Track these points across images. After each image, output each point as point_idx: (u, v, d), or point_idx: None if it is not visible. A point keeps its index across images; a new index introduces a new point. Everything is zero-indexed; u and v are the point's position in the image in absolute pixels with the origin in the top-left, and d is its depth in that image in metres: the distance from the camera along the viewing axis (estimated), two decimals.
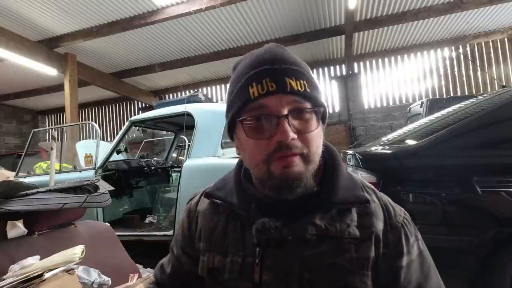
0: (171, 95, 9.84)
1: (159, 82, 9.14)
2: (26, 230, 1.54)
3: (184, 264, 0.71)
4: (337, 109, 8.27)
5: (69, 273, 1.16)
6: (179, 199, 2.77)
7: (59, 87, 7.30)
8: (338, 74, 8.34)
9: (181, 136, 4.53)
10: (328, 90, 8.45)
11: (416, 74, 7.90)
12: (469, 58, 7.56)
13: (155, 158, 4.68)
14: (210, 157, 2.69)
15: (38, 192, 1.41)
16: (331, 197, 0.57)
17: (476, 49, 7.55)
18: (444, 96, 6.85)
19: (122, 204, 3.75)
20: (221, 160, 2.66)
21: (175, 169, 4.35)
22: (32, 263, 1.18)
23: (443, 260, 1.54)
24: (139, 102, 9.95)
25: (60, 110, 10.18)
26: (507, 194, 1.47)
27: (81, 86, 7.03)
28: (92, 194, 1.58)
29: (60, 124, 10.78)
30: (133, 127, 3.47)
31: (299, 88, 0.51)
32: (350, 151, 2.13)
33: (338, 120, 8.02)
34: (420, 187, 1.63)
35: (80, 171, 3.26)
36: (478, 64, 7.41)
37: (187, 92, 9.07)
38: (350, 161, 2.05)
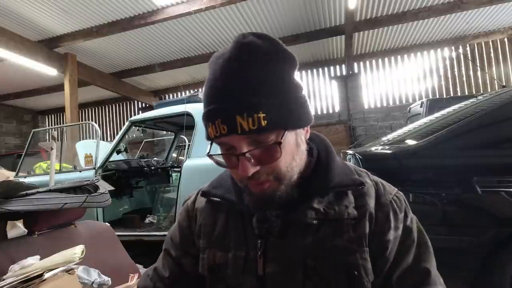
0: (171, 95, 9.83)
1: (159, 82, 9.15)
2: (26, 230, 1.54)
3: (185, 264, 0.68)
4: (337, 109, 8.27)
5: (69, 273, 1.16)
6: (179, 199, 2.78)
7: (59, 87, 7.30)
8: (338, 74, 8.34)
9: (181, 136, 4.53)
10: (328, 90, 8.45)
11: (416, 74, 7.90)
12: (469, 58, 7.56)
13: (155, 158, 4.68)
14: None
15: (38, 192, 1.42)
16: (327, 182, 0.58)
17: (476, 49, 7.55)
18: (444, 96, 6.85)
19: (122, 204, 3.75)
20: None
21: (175, 169, 4.35)
22: (32, 263, 1.18)
23: (443, 260, 1.54)
24: (139, 102, 9.95)
25: (60, 110, 10.18)
26: (507, 194, 1.47)
27: (81, 86, 7.03)
28: (92, 194, 1.59)
29: (60, 124, 10.78)
30: (133, 127, 3.47)
31: (251, 127, 0.47)
32: (350, 151, 2.13)
33: (338, 120, 8.02)
34: (420, 187, 1.63)
35: (80, 171, 3.26)
36: (478, 64, 7.41)
37: (187, 92, 9.07)
38: (350, 161, 2.05)
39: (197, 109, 2.95)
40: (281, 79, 0.51)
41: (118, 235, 1.90)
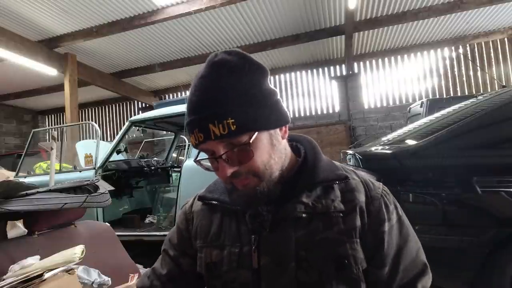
0: (171, 95, 9.83)
1: (159, 82, 9.15)
2: (26, 230, 1.54)
3: (183, 264, 0.72)
4: (337, 109, 8.27)
5: (69, 273, 1.16)
6: (179, 199, 2.78)
7: (59, 87, 7.30)
8: (338, 74, 8.34)
9: (181, 136, 4.54)
10: (328, 90, 8.45)
11: (416, 74, 7.90)
12: (469, 58, 7.56)
13: (155, 158, 4.68)
14: None
15: (38, 192, 1.41)
16: (314, 177, 0.63)
17: (476, 49, 7.55)
18: (444, 96, 6.85)
19: (122, 204, 3.75)
20: None
21: (175, 169, 4.35)
22: (32, 263, 1.18)
23: (443, 260, 1.54)
24: (139, 102, 9.95)
25: (60, 110, 10.18)
26: (507, 194, 1.47)
27: (81, 86, 7.03)
28: (92, 194, 1.59)
29: (60, 124, 10.78)
30: (133, 127, 3.47)
31: (222, 132, 0.54)
32: (350, 151, 2.13)
33: (338, 120, 8.02)
34: (420, 187, 1.63)
35: (80, 171, 3.26)
36: (478, 64, 7.41)
37: (187, 92, 9.04)
38: (350, 161, 2.05)
39: None
40: (249, 87, 0.56)
41: (118, 235, 1.90)
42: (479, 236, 1.51)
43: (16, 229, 1.70)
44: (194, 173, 2.72)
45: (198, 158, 0.61)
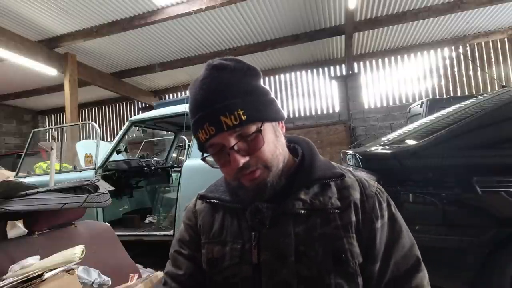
0: (171, 95, 9.83)
1: (159, 82, 9.15)
2: (26, 230, 1.54)
3: (199, 258, 0.71)
4: (337, 109, 8.27)
5: (69, 273, 1.16)
6: (179, 199, 2.78)
7: (59, 87, 7.31)
8: (338, 74, 8.34)
9: (181, 136, 4.53)
10: (328, 90, 8.45)
11: (416, 74, 7.90)
12: (469, 58, 7.56)
13: (155, 158, 4.68)
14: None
15: (38, 192, 1.41)
16: (311, 175, 0.66)
17: (476, 49, 7.55)
18: (444, 96, 6.85)
19: (122, 204, 3.75)
20: None
21: (175, 169, 4.35)
22: (32, 263, 1.18)
23: (443, 260, 1.54)
24: (139, 102, 9.95)
25: (60, 110, 10.18)
26: (507, 194, 1.47)
27: (81, 86, 7.03)
28: (92, 194, 1.58)
29: (60, 124, 10.78)
30: (133, 127, 3.47)
31: (234, 122, 0.57)
32: (350, 151, 2.13)
33: (338, 120, 8.02)
34: (420, 187, 1.63)
35: (80, 171, 3.26)
36: (478, 64, 7.41)
37: (187, 92, 9.05)
38: (350, 161, 2.05)
39: None
40: (249, 83, 0.61)
41: (118, 235, 1.90)
42: (479, 236, 1.51)
43: (16, 229, 1.70)
44: (194, 173, 2.72)
45: (204, 156, 0.63)
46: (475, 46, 7.52)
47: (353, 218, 0.63)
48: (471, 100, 2.09)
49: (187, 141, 4.67)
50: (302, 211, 0.63)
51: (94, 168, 3.18)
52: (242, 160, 0.58)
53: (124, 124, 4.36)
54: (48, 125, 11.23)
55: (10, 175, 3.80)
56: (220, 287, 0.66)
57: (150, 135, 7.58)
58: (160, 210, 3.42)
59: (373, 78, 8.21)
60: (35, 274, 1.07)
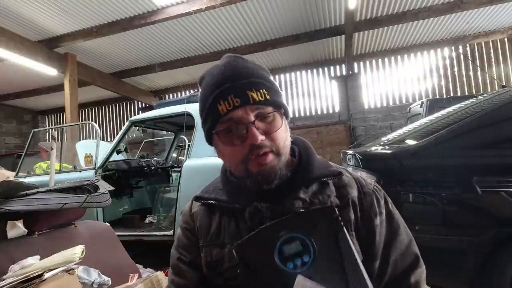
0: (171, 95, 9.83)
1: (159, 82, 9.14)
2: (26, 230, 1.54)
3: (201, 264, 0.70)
4: (337, 109, 8.27)
5: (69, 273, 1.16)
6: (179, 199, 2.77)
7: (59, 87, 7.30)
8: (338, 74, 8.34)
9: (181, 136, 4.53)
10: (328, 90, 8.45)
11: (416, 74, 7.90)
12: (469, 58, 7.56)
13: (155, 158, 4.68)
14: (210, 157, 2.69)
15: (38, 192, 1.41)
16: (309, 174, 0.66)
17: (476, 49, 7.55)
18: (444, 96, 6.85)
19: (122, 204, 3.74)
20: (221, 160, 2.65)
21: (175, 169, 4.35)
22: (32, 263, 1.18)
23: (443, 260, 1.54)
24: (139, 102, 9.95)
25: (60, 110, 10.18)
26: (507, 194, 1.47)
27: (81, 86, 7.02)
28: (92, 194, 1.59)
29: (60, 124, 10.78)
30: (133, 127, 3.47)
31: (260, 98, 0.59)
32: (350, 151, 2.13)
33: (338, 120, 8.02)
34: (420, 187, 1.63)
35: (80, 171, 3.26)
36: (478, 64, 7.41)
37: (187, 92, 9.07)
38: (350, 161, 2.05)
39: (197, 109, 2.93)
40: (267, 76, 0.64)
41: (118, 235, 1.90)
42: (479, 236, 1.51)
43: (16, 229, 1.70)
44: (194, 173, 2.72)
45: (216, 130, 0.62)
46: (475, 46, 7.52)
47: (352, 216, 0.63)
48: (471, 100, 2.09)
49: (187, 141, 4.67)
50: (302, 210, 0.62)
51: (94, 168, 3.18)
52: (261, 137, 0.58)
53: (124, 124, 4.36)
54: (48, 125, 11.23)
55: (10, 175, 3.80)
56: None
57: (150, 135, 7.58)
58: (160, 210, 3.42)
59: (373, 78, 8.21)
60: (35, 274, 1.07)
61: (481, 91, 7.19)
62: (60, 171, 3.37)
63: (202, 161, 2.72)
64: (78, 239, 1.57)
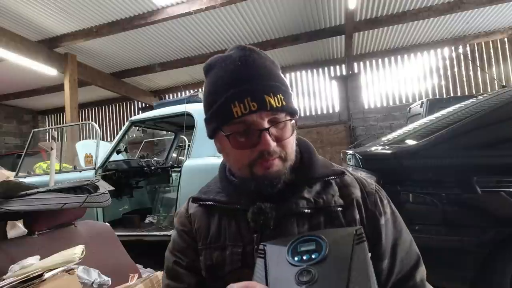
0: (171, 95, 9.83)
1: (159, 82, 9.14)
2: (26, 230, 1.54)
3: (199, 267, 0.68)
4: (337, 109, 8.27)
5: (69, 273, 1.16)
6: (179, 199, 2.78)
7: (59, 87, 7.30)
8: (338, 74, 8.34)
9: (181, 136, 4.53)
10: (328, 90, 8.45)
11: (416, 74, 7.90)
12: (469, 58, 7.56)
13: (155, 158, 4.68)
14: (210, 157, 2.69)
15: (38, 192, 1.42)
16: (312, 173, 0.65)
17: (476, 49, 7.55)
18: (444, 96, 6.85)
19: (122, 204, 3.75)
20: (221, 160, 2.65)
21: (175, 169, 4.35)
22: (32, 263, 1.19)
23: (443, 260, 1.54)
24: (139, 102, 9.95)
25: (60, 110, 10.17)
26: (507, 194, 1.47)
27: (81, 86, 7.03)
28: (92, 194, 1.59)
29: (60, 124, 10.78)
30: (133, 127, 3.47)
31: (277, 104, 0.56)
32: (350, 151, 2.13)
33: (338, 120, 8.02)
34: (420, 187, 1.63)
35: (80, 171, 3.26)
36: (478, 64, 7.41)
37: (187, 92, 9.07)
38: (350, 161, 2.05)
39: (197, 109, 2.95)
40: (280, 75, 0.62)
41: (118, 235, 1.90)
42: (479, 236, 1.51)
43: (16, 229, 1.70)
44: (194, 173, 2.72)
45: (227, 134, 0.59)
46: (475, 46, 7.52)
47: (357, 216, 0.62)
48: (471, 100, 2.09)
49: (187, 141, 4.67)
50: (306, 210, 0.61)
51: (94, 168, 3.18)
52: (274, 143, 0.57)
53: (124, 124, 4.36)
54: (48, 125, 11.22)
55: (10, 175, 3.80)
56: None
57: (150, 135, 7.57)
58: (160, 210, 3.42)
59: (373, 78, 8.21)
60: (35, 274, 1.07)
61: (481, 91, 7.19)
62: (60, 171, 3.37)
63: (202, 161, 2.72)
64: (78, 239, 1.57)
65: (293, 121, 0.62)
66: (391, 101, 8.02)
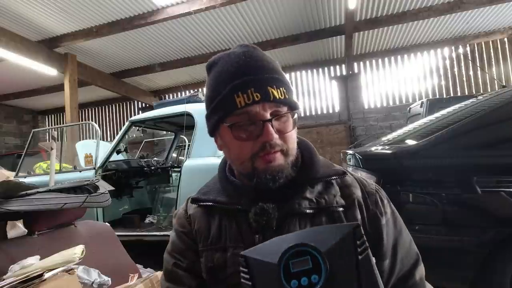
0: (171, 95, 9.83)
1: (159, 82, 9.14)
2: (26, 230, 1.54)
3: (199, 269, 0.67)
4: (337, 109, 8.27)
5: (69, 273, 1.16)
6: (179, 199, 2.78)
7: (59, 87, 7.30)
8: (338, 74, 8.34)
9: (181, 136, 4.53)
10: (328, 90, 8.45)
11: (416, 74, 7.90)
12: (469, 58, 7.56)
13: (155, 158, 4.68)
14: (210, 157, 2.69)
15: (38, 192, 1.42)
16: (314, 174, 0.64)
17: (476, 49, 7.55)
18: (444, 96, 6.85)
19: (122, 204, 3.75)
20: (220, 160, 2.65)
21: (175, 169, 4.35)
22: (32, 263, 1.19)
23: (443, 260, 1.54)
24: (139, 102, 9.95)
25: (60, 110, 10.17)
26: (507, 194, 1.47)
27: (81, 86, 7.02)
28: (92, 194, 1.59)
29: (60, 124, 10.78)
30: (133, 127, 3.47)
31: (280, 96, 0.57)
32: (350, 151, 2.13)
33: (338, 120, 8.02)
34: (420, 187, 1.63)
35: (80, 171, 3.26)
36: (478, 64, 7.40)
37: (187, 92, 9.07)
38: (350, 161, 2.05)
39: (197, 109, 2.95)
40: (281, 71, 0.62)
41: (118, 235, 1.90)
42: (479, 236, 1.51)
43: (16, 229, 1.70)
44: (194, 173, 2.72)
45: (230, 124, 0.59)
46: (475, 46, 7.52)
47: (358, 216, 0.62)
48: (471, 100, 2.09)
49: (187, 141, 4.67)
50: (308, 211, 0.61)
51: (94, 168, 3.18)
52: (276, 135, 0.57)
53: (124, 124, 4.36)
54: (48, 125, 11.22)
55: (10, 175, 3.80)
56: None
57: (150, 135, 7.57)
58: (160, 210, 3.42)
59: (373, 78, 8.21)
60: (35, 274, 1.07)
61: (481, 91, 7.19)
62: (60, 171, 3.37)
63: (202, 161, 2.72)
64: (78, 239, 1.57)
65: (295, 116, 0.62)
66: (391, 101, 8.02)
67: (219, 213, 0.66)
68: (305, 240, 0.44)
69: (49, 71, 6.41)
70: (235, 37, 6.42)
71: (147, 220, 3.57)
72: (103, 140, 7.44)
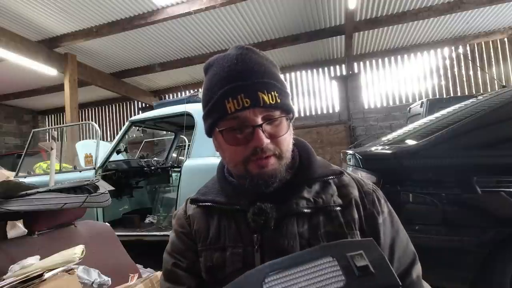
0: (171, 95, 9.83)
1: (159, 82, 9.14)
2: (26, 230, 1.54)
3: (199, 268, 0.68)
4: (337, 109, 8.26)
5: (69, 273, 1.16)
6: (179, 199, 2.78)
7: (59, 87, 7.30)
8: (338, 74, 8.34)
9: (181, 136, 4.53)
10: (328, 90, 8.45)
11: (416, 74, 7.90)
12: (469, 58, 7.56)
13: (155, 158, 4.68)
14: (210, 157, 2.69)
15: (38, 192, 1.41)
16: (311, 173, 0.65)
17: (476, 49, 7.55)
18: (444, 96, 6.85)
19: (122, 204, 3.75)
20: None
21: (175, 169, 4.35)
22: (32, 263, 1.19)
23: (443, 260, 1.54)
24: (139, 102, 9.95)
25: (60, 110, 10.18)
26: (507, 194, 1.47)
27: (81, 86, 7.02)
28: (92, 194, 1.59)
29: (60, 124, 10.78)
30: (133, 127, 3.47)
31: (271, 101, 0.57)
32: (350, 151, 2.13)
33: (338, 120, 8.02)
34: (420, 187, 1.63)
35: (80, 171, 3.26)
36: (478, 64, 7.40)
37: (187, 92, 9.07)
38: (350, 161, 2.05)
39: (197, 109, 2.95)
40: (278, 74, 0.62)
41: (118, 235, 1.90)
42: (479, 236, 1.51)
43: (16, 229, 1.70)
44: (194, 173, 2.72)
45: (221, 129, 0.59)
46: (475, 46, 7.52)
47: (356, 215, 0.63)
48: (471, 100, 2.09)
49: (187, 141, 4.67)
50: (306, 210, 0.61)
51: (94, 168, 3.18)
52: (267, 140, 0.57)
53: (124, 124, 4.36)
54: (48, 125, 11.22)
55: (10, 175, 3.80)
56: None
57: (150, 135, 7.57)
58: (160, 210, 3.42)
59: (373, 78, 8.20)
60: (35, 274, 1.07)
61: (481, 91, 7.19)
62: (60, 171, 3.37)
63: (202, 161, 2.72)
64: (78, 239, 1.57)
65: (290, 119, 0.62)
66: (391, 101, 8.02)
67: (218, 213, 0.67)
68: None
69: (49, 71, 6.41)
70: (235, 37, 6.42)
71: (147, 220, 3.57)
72: (103, 140, 7.44)
